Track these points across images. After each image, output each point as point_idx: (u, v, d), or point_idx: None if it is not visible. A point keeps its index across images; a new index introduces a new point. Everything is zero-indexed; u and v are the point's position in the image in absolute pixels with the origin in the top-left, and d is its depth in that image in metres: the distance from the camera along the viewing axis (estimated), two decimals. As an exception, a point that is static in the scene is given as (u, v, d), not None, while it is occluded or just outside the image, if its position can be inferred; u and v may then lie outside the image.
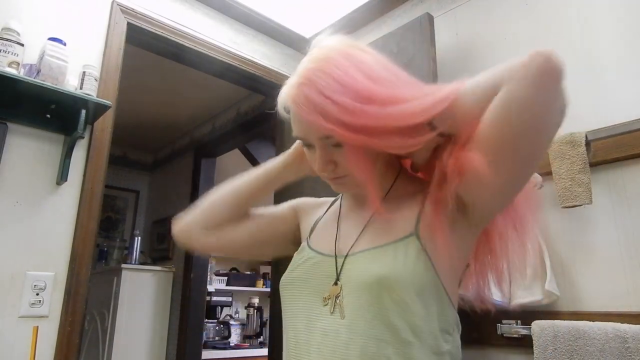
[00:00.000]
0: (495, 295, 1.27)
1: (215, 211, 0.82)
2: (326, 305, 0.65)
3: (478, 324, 1.26)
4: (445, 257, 0.64)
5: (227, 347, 3.41)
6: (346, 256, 0.68)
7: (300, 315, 0.69)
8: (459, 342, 0.69)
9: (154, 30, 1.77)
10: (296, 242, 0.85)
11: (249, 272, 4.12)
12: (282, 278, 0.75)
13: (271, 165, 0.84)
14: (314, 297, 0.68)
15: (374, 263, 0.64)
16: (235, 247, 0.84)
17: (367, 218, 0.72)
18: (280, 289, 0.75)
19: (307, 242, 0.79)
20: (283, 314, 0.73)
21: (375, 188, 0.68)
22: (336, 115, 0.59)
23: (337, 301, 0.64)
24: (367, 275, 0.63)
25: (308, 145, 0.70)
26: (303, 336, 0.66)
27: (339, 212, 0.80)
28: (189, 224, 0.83)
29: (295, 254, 0.79)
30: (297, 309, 0.70)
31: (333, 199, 0.88)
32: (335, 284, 0.66)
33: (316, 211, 0.87)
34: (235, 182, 0.85)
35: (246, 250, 0.87)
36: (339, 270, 0.67)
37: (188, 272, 3.14)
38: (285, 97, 0.67)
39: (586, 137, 1.23)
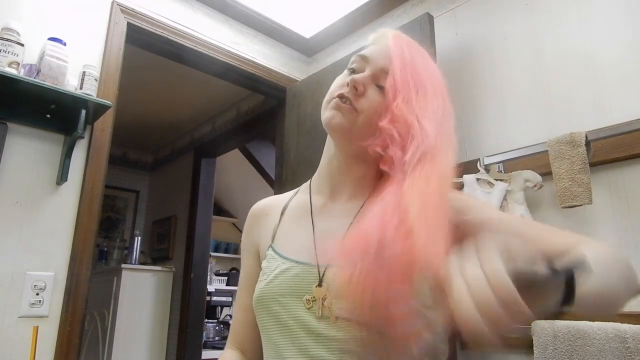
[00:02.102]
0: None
1: None
2: (311, 307, 0.61)
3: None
4: None
5: (227, 347, 3.41)
6: (328, 266, 0.63)
7: (292, 330, 0.63)
8: (447, 347, 0.66)
9: (154, 30, 1.77)
10: None
11: (249, 272, 4.12)
12: (258, 292, 0.68)
13: None
14: (302, 310, 0.62)
15: None
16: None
17: (350, 211, 0.68)
18: (257, 304, 0.68)
19: (273, 249, 0.71)
20: (266, 332, 0.67)
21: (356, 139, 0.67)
22: (408, 75, 0.65)
23: (325, 303, 0.61)
24: None
25: (355, 70, 0.71)
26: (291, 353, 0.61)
27: (311, 208, 0.73)
28: None
29: (264, 263, 0.71)
30: (285, 323, 0.63)
31: (291, 192, 0.82)
32: (320, 285, 0.62)
33: (272, 213, 0.79)
34: None
35: None
36: (321, 275, 0.63)
37: (188, 272, 3.14)
38: (389, 32, 0.73)
39: (586, 137, 1.23)
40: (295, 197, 0.79)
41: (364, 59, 0.70)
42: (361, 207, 0.68)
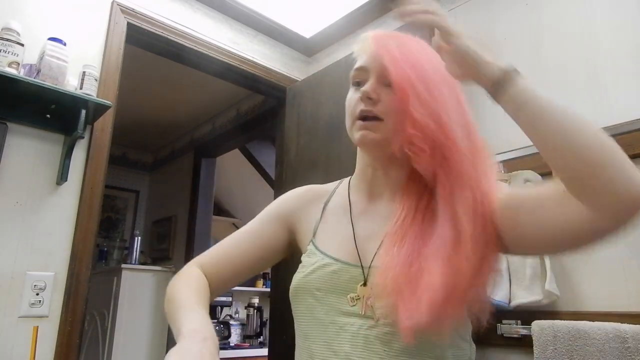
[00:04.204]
0: (496, 296, 1.28)
1: None
2: (354, 305, 0.64)
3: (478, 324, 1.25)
4: None
5: (227, 347, 3.41)
6: (370, 266, 0.66)
7: (323, 324, 0.66)
8: (474, 346, 0.70)
9: (154, 30, 1.77)
10: (292, 246, 0.82)
11: (249, 272, 4.12)
12: (295, 283, 0.71)
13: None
14: (335, 306, 0.66)
15: None
16: (226, 288, 0.79)
17: (390, 214, 0.69)
18: (293, 295, 0.71)
19: (314, 244, 0.74)
20: (298, 321, 0.70)
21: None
22: (405, 63, 0.67)
23: (368, 302, 0.63)
24: None
25: (360, 82, 0.72)
26: (327, 345, 0.64)
27: (350, 209, 0.75)
28: None
29: (304, 257, 0.74)
30: (317, 316, 0.67)
31: (331, 186, 0.83)
32: (364, 285, 0.65)
33: (315, 204, 0.80)
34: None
35: (237, 282, 0.79)
36: (366, 275, 0.66)
37: (188, 272, 3.13)
38: (369, 34, 0.74)
39: (586, 137, 1.22)
40: (335, 195, 0.81)
41: (363, 69, 0.72)
42: (402, 211, 0.68)
